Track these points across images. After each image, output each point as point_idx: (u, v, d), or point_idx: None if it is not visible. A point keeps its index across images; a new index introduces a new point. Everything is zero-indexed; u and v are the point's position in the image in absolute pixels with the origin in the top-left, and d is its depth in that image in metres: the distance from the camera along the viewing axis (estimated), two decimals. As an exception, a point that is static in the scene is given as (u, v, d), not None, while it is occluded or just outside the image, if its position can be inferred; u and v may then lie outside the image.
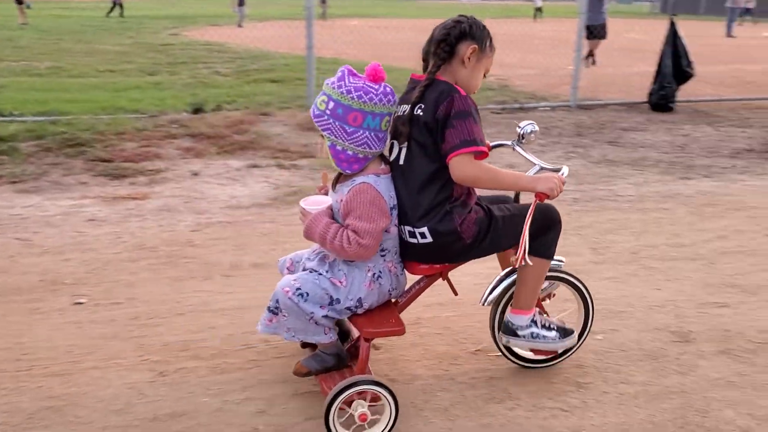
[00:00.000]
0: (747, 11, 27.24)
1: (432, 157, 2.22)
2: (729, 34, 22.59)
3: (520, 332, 2.47)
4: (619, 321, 3.04)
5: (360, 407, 2.17)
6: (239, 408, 2.38)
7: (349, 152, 2.20)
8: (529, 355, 2.63)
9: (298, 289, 2.21)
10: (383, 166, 2.30)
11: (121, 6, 26.24)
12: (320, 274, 2.27)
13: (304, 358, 2.42)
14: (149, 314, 3.03)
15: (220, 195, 4.75)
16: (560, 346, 2.53)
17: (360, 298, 2.26)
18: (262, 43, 14.89)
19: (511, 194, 2.60)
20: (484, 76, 2.33)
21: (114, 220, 4.21)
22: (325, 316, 2.24)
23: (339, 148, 2.20)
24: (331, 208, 2.28)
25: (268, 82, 10.03)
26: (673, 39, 8.66)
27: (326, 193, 2.43)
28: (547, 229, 2.40)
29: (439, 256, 2.32)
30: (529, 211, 2.26)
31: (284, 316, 2.25)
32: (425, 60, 2.31)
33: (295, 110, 7.63)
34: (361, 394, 2.17)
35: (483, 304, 2.51)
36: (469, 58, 2.24)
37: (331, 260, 2.30)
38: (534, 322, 2.48)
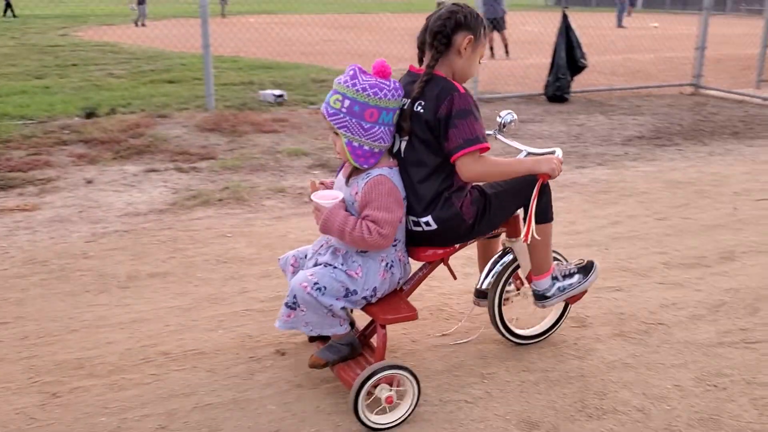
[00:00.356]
0: (632, 2, 28.60)
1: (434, 152, 2.29)
2: (620, 25, 23.62)
3: (548, 294, 2.61)
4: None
5: (385, 391, 2.27)
6: (139, 425, 2.29)
7: (366, 147, 2.25)
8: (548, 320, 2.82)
9: (316, 283, 2.25)
10: (392, 159, 2.37)
11: (10, 6, 24.79)
12: (335, 267, 2.33)
13: (319, 350, 2.46)
14: (40, 333, 2.88)
15: (115, 202, 4.57)
16: (589, 283, 2.67)
17: (375, 287, 2.34)
18: (158, 43, 14.45)
19: None
20: (479, 62, 2.40)
21: (1, 234, 3.98)
22: (343, 308, 2.31)
23: (356, 144, 2.24)
24: (344, 201, 2.31)
25: (165, 83, 9.74)
26: (566, 31, 8.96)
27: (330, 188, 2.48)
28: (539, 196, 2.44)
29: (445, 239, 2.41)
30: (534, 192, 2.38)
31: (302, 311, 2.29)
32: (420, 49, 2.38)
33: (194, 111, 7.44)
34: (385, 379, 2.25)
35: (480, 288, 2.65)
36: (465, 48, 2.30)
37: (344, 252, 2.35)
38: (555, 278, 2.62)
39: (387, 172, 2.29)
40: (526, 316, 2.91)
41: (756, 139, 7.01)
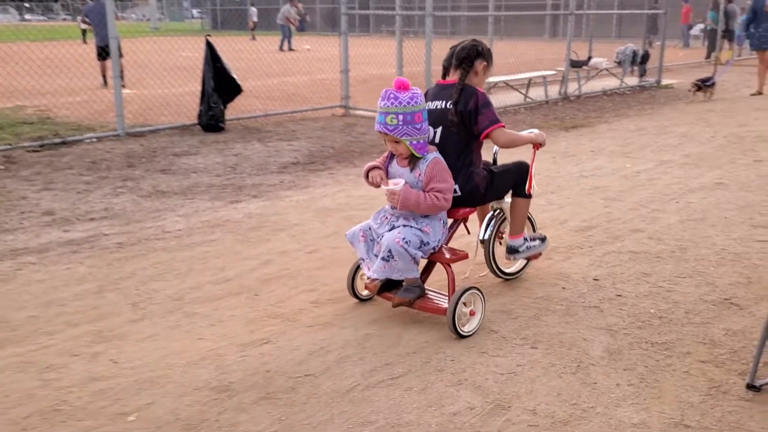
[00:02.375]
0: (301, 27, 29.78)
1: (465, 137, 3.30)
2: (282, 48, 24.28)
3: (520, 249, 3.67)
4: (155, 390, 2.73)
5: (468, 306, 3.17)
6: None
7: (421, 141, 3.10)
8: (518, 266, 3.93)
9: (404, 238, 3.06)
10: (431, 145, 3.27)
11: None
12: (412, 226, 3.14)
13: (398, 293, 3.23)
14: None
15: None
16: (545, 247, 3.86)
17: (438, 239, 3.21)
18: None
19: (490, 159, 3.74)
20: (486, 79, 3.50)
21: None
22: (421, 256, 3.15)
23: (416, 142, 3.08)
24: (407, 183, 3.11)
25: None
26: (213, 58, 8.74)
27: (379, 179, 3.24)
28: (523, 180, 3.56)
29: (467, 202, 3.36)
30: (532, 156, 3.60)
31: (395, 260, 3.09)
32: (446, 68, 3.45)
33: None
34: (469, 297, 3.17)
35: (481, 241, 3.70)
36: (480, 71, 3.41)
37: (412, 216, 3.17)
38: (525, 239, 3.71)
39: (437, 155, 3.18)
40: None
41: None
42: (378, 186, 3.23)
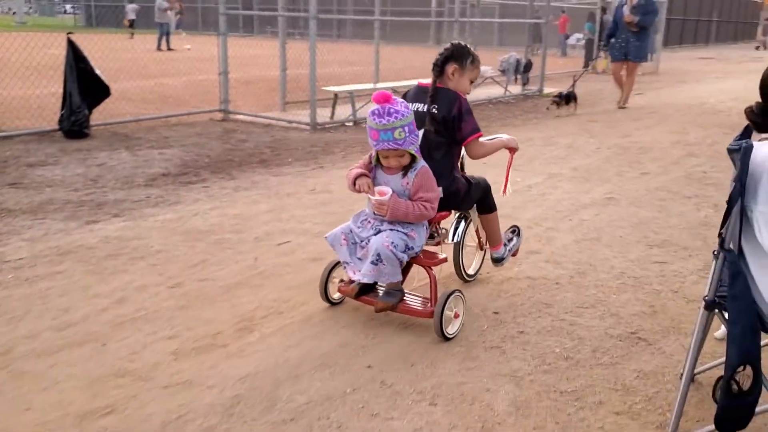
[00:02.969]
0: (177, 26, 28.31)
1: (446, 141, 3.34)
2: (160, 47, 23.00)
3: (503, 256, 3.82)
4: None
5: (453, 309, 3.25)
6: None
7: (418, 146, 3.19)
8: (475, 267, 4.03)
9: (392, 242, 3.10)
10: None
11: None
12: (398, 231, 3.17)
13: (380, 298, 3.23)
14: None
15: None
16: (521, 240, 4.03)
17: (421, 244, 3.27)
18: None
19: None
20: (471, 82, 3.46)
21: None
22: (406, 260, 3.20)
23: (415, 149, 3.14)
24: (394, 192, 3.13)
25: None
26: (75, 58, 7.90)
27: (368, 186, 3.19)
28: (486, 194, 3.63)
29: (447, 206, 3.41)
30: (509, 160, 3.81)
31: (384, 264, 3.10)
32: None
33: None
34: (454, 300, 3.24)
35: (452, 242, 3.67)
36: (453, 74, 3.36)
37: (396, 221, 3.17)
38: (505, 244, 3.84)
39: (425, 164, 3.18)
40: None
41: (282, 166, 6.96)
42: (359, 192, 3.21)
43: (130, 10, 28.54)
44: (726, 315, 2.30)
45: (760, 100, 2.53)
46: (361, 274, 3.14)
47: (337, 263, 3.44)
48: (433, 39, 30.31)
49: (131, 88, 11.23)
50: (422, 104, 3.33)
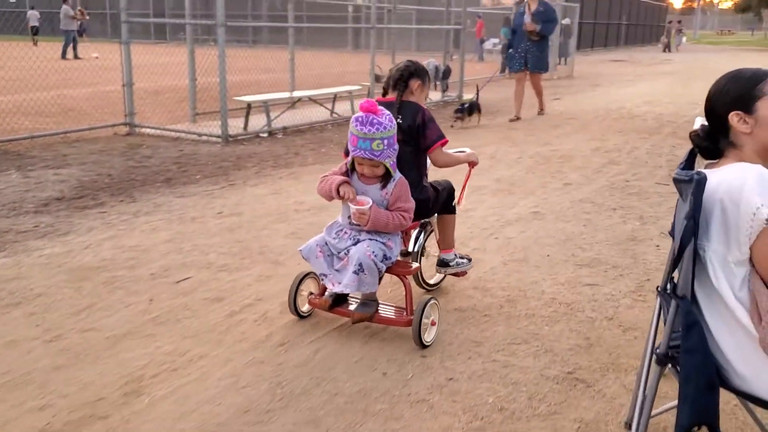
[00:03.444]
0: (80, 32, 26.96)
1: (414, 150, 3.49)
2: (65, 56, 21.83)
3: (451, 263, 3.88)
4: None
5: (430, 316, 3.28)
6: None
7: (395, 160, 3.21)
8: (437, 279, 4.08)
9: (373, 251, 3.12)
10: None
11: None
12: (377, 240, 3.20)
13: (356, 309, 3.27)
14: None
15: None
16: (469, 267, 4.01)
17: (397, 253, 3.33)
18: None
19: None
20: (425, 99, 3.69)
21: None
22: (383, 270, 3.23)
23: (392, 161, 3.19)
24: (373, 202, 3.15)
25: None
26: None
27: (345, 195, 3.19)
28: (450, 196, 3.80)
29: (419, 215, 3.50)
30: (467, 173, 3.97)
31: (365, 274, 3.10)
32: (385, 89, 3.63)
33: None
34: (430, 308, 3.28)
35: (413, 251, 3.76)
36: (416, 89, 3.59)
37: (374, 231, 3.20)
38: (455, 254, 3.92)
39: (401, 175, 3.29)
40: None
41: (189, 185, 6.45)
42: (342, 199, 3.22)
43: (32, 17, 27.08)
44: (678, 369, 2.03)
45: (703, 120, 2.28)
46: (343, 285, 3.15)
47: (307, 275, 3.51)
48: (351, 44, 30.02)
49: (28, 101, 10.38)
50: None
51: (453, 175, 4.06)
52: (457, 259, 3.89)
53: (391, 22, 15.55)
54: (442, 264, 3.87)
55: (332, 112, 11.03)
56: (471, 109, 10.48)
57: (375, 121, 3.04)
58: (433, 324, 3.31)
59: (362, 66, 11.90)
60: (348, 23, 26.93)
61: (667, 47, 36.98)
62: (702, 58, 31.91)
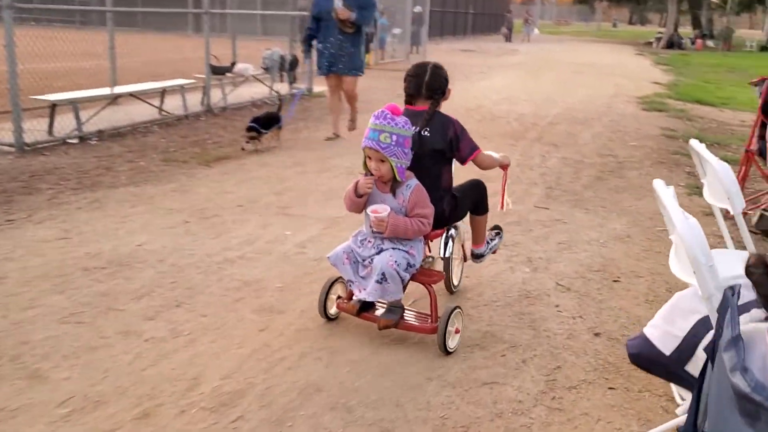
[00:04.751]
0: None
1: (442, 163, 3.47)
2: None
3: (484, 254, 3.99)
4: None
5: (454, 324, 3.32)
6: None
7: (405, 166, 3.22)
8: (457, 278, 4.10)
9: (396, 261, 3.15)
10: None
11: None
12: (400, 249, 3.21)
13: (382, 316, 3.29)
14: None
15: None
16: (502, 239, 4.25)
17: (420, 260, 3.33)
18: None
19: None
20: None
21: None
22: (407, 278, 3.26)
23: (401, 165, 3.19)
24: (391, 209, 3.20)
25: None
26: None
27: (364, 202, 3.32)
28: (482, 197, 3.79)
29: (440, 223, 3.48)
30: (504, 178, 3.97)
31: (388, 283, 3.14)
32: (412, 95, 3.49)
33: None
34: (455, 316, 3.32)
35: (443, 257, 3.75)
36: (448, 96, 3.56)
37: (397, 239, 3.24)
38: (487, 242, 4.02)
39: (418, 182, 3.30)
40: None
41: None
42: (364, 194, 3.27)
43: None
44: None
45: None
46: (366, 292, 3.19)
47: (336, 279, 3.52)
48: (192, 27, 27.79)
49: None
50: (415, 127, 3.33)
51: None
52: (488, 246, 4.03)
53: (233, 7, 13.94)
54: (478, 257, 3.99)
55: (161, 110, 9.40)
56: (268, 123, 7.80)
57: (389, 116, 3.14)
58: (457, 332, 3.37)
59: (201, 51, 10.27)
60: (187, 7, 24.66)
61: (508, 38, 37.62)
62: (546, 48, 32.66)
